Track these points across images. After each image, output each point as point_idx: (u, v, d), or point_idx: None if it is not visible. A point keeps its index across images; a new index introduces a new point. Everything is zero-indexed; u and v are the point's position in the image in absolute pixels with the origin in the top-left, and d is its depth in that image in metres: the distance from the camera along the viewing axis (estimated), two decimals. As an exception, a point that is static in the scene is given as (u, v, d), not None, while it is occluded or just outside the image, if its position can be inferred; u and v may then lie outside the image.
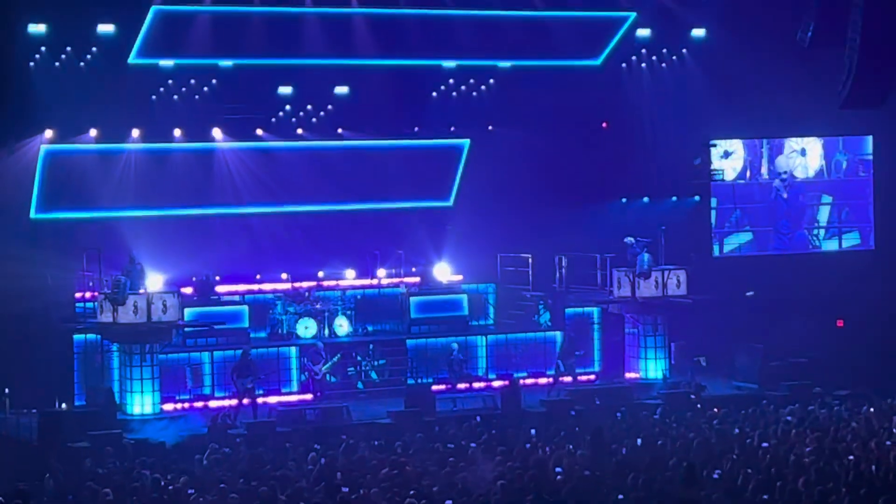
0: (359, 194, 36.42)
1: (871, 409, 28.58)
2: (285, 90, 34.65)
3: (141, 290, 30.52)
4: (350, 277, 35.58)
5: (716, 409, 29.45)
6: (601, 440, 24.42)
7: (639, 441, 24.89)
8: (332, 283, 35.29)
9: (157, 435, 28.86)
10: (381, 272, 35.73)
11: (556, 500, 19.58)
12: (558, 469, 22.10)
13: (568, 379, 33.53)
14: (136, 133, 33.37)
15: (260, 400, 30.93)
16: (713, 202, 38.64)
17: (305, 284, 34.71)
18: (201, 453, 25.49)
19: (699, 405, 30.81)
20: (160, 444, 27.67)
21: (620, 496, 19.38)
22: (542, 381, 34.02)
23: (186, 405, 31.66)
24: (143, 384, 30.52)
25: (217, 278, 34.11)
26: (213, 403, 31.58)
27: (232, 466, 23.93)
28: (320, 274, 35.28)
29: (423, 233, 36.42)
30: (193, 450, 26.48)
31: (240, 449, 26.11)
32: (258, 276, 34.97)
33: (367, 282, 35.63)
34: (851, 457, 22.65)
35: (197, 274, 33.50)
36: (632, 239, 34.11)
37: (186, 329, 31.96)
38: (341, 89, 34.97)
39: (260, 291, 34.71)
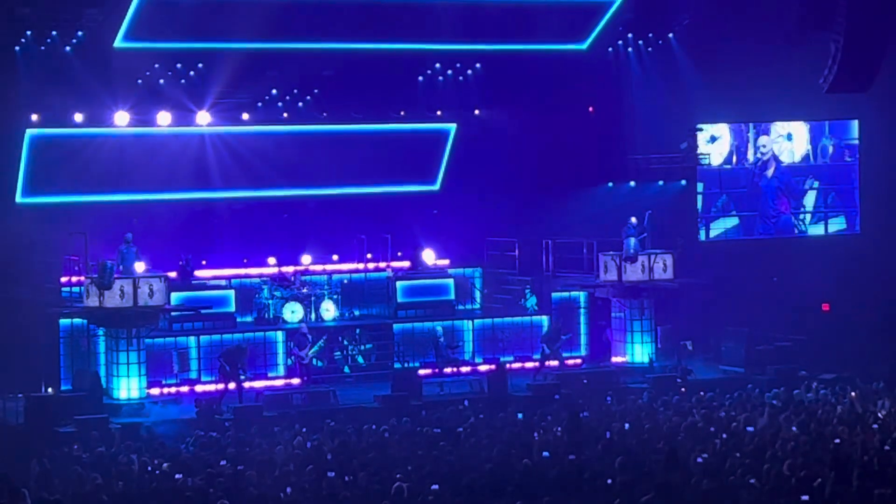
0: (345, 178, 36.38)
1: (857, 393, 28.64)
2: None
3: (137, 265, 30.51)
4: (336, 261, 35.57)
5: (701, 394, 29.48)
6: (578, 424, 24.44)
7: (626, 426, 24.90)
8: (319, 267, 35.28)
9: (144, 419, 28.81)
10: (368, 256, 35.72)
11: (541, 484, 19.56)
12: (545, 454, 22.08)
13: (555, 363, 33.57)
14: (121, 117, 33.27)
15: (246, 385, 30.92)
16: (699, 187, 38.63)
17: (292, 269, 34.69)
18: (189, 437, 25.52)
19: (685, 389, 30.86)
20: (147, 428, 27.61)
21: (609, 480, 19.35)
22: (529, 364, 34.04)
23: (174, 390, 31.63)
24: (130, 368, 30.46)
25: (203, 262, 34.07)
26: (199, 388, 31.57)
27: (220, 451, 23.91)
28: (307, 258, 35.26)
29: (410, 217, 36.41)
30: (181, 434, 26.49)
31: (227, 434, 26.10)
32: (245, 261, 34.93)
33: (353, 266, 35.64)
34: (837, 440, 22.69)
35: (181, 258, 33.45)
36: (634, 220, 34.09)
37: (173, 313, 31.91)
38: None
39: (246, 276, 34.68)
